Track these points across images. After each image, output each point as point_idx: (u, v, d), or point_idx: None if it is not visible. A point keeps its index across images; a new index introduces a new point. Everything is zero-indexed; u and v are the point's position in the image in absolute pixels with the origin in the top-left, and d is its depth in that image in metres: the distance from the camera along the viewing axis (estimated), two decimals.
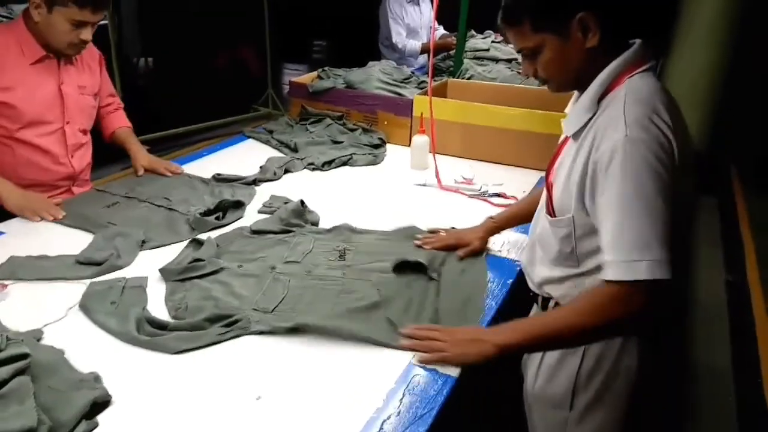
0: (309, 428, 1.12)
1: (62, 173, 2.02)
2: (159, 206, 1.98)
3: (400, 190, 2.25)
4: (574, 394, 1.33)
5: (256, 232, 1.80)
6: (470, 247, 1.68)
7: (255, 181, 2.24)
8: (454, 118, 2.53)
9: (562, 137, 1.31)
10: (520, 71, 3.45)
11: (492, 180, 2.26)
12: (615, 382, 1.30)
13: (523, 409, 1.51)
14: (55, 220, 1.84)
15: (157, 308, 1.45)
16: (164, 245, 1.76)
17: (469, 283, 1.57)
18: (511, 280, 1.62)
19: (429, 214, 1.99)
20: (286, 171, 2.36)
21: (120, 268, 1.61)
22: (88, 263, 1.60)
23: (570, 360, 1.30)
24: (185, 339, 1.32)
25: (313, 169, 2.40)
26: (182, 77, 5.74)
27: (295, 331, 1.36)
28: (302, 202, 1.94)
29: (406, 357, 1.31)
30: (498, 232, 1.73)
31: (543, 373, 1.38)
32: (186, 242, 1.74)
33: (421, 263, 1.58)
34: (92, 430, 1.08)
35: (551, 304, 1.34)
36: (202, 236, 1.72)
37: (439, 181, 2.26)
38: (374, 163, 2.50)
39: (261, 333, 1.36)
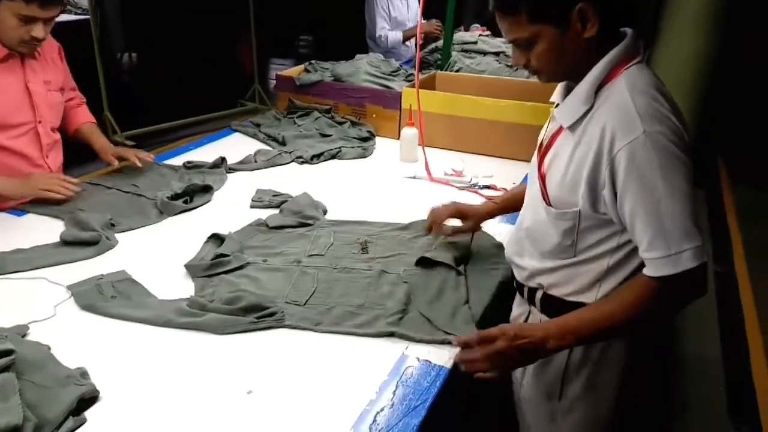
0: (301, 422, 1.10)
1: None
2: (126, 192, 2.01)
3: (390, 183, 2.23)
4: (563, 384, 1.33)
5: (275, 227, 1.80)
6: (466, 226, 1.67)
7: (229, 169, 2.27)
8: (443, 110, 2.52)
9: (551, 127, 1.29)
10: (509, 63, 3.44)
11: (482, 172, 2.26)
12: (603, 372, 1.30)
13: (513, 399, 1.51)
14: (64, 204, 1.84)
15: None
16: (133, 229, 1.79)
17: (492, 281, 1.56)
18: None
19: (420, 206, 1.97)
20: (274, 165, 2.35)
21: (112, 247, 1.67)
22: (75, 242, 1.64)
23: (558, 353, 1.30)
24: (225, 322, 1.33)
25: (302, 163, 2.38)
26: (167, 73, 5.68)
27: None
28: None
29: (399, 348, 1.30)
30: (497, 215, 1.71)
31: (533, 366, 1.37)
32: (156, 224, 1.82)
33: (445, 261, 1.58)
34: (80, 426, 1.06)
35: (538, 294, 1.33)
36: (223, 232, 1.71)
37: (429, 173, 2.25)
38: (363, 156, 2.48)
39: (294, 328, 1.36)
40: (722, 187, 4.03)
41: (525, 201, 1.38)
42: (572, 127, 1.18)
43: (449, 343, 1.31)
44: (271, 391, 1.17)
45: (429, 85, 2.86)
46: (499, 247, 1.70)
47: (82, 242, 1.65)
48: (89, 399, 1.11)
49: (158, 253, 1.67)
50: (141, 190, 2.01)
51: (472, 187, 2.16)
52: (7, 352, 1.11)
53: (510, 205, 1.66)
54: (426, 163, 2.27)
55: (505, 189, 2.13)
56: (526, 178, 2.22)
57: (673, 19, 3.76)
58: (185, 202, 1.94)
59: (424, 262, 1.59)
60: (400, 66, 3.21)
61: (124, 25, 6.00)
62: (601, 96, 1.15)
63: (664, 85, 1.16)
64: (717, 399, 2.40)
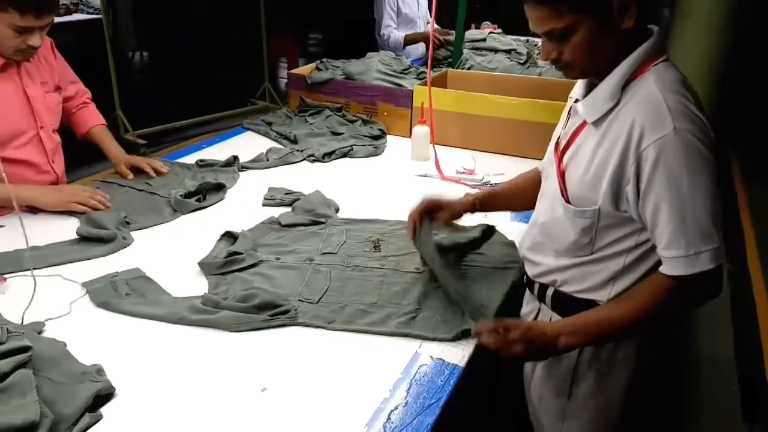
0: (315, 420, 1.10)
1: (46, 182, 1.91)
2: (140, 190, 2.02)
3: (401, 182, 2.23)
4: (573, 383, 1.33)
5: (287, 225, 1.80)
6: (440, 220, 1.58)
7: (241, 167, 2.27)
8: (454, 108, 2.51)
9: (571, 123, 1.27)
10: (521, 61, 3.43)
11: (493, 170, 2.25)
12: (614, 372, 1.30)
13: (525, 398, 1.51)
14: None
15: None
16: (147, 227, 1.80)
17: (505, 280, 1.56)
18: None
19: None
20: (285, 163, 2.35)
21: (127, 245, 1.68)
22: (90, 239, 1.66)
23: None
24: (239, 320, 1.34)
25: (313, 161, 2.38)
26: (178, 71, 5.70)
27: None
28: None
29: (412, 347, 1.30)
30: (475, 211, 1.60)
31: (543, 364, 1.38)
32: (169, 222, 1.84)
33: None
34: (96, 422, 1.06)
35: (549, 291, 1.33)
36: (235, 230, 1.71)
37: (440, 171, 2.24)
38: (375, 155, 2.48)
39: (308, 326, 1.37)
40: (735, 184, 4.01)
41: (539, 197, 1.38)
42: (596, 123, 1.17)
43: (467, 335, 1.31)
44: (285, 388, 1.18)
45: (440, 83, 2.85)
46: (511, 245, 1.69)
47: (98, 239, 1.67)
48: (105, 395, 1.11)
49: (172, 251, 1.68)
50: (154, 189, 2.02)
51: (484, 186, 2.15)
52: (24, 349, 1.11)
53: (490, 203, 1.60)
54: (437, 161, 2.26)
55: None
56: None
57: (687, 17, 3.74)
58: (198, 200, 1.95)
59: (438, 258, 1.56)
60: (412, 64, 3.21)
61: (136, 24, 6.03)
62: (629, 92, 1.14)
63: (689, 82, 1.16)
64: (730, 399, 2.39)
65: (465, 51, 3.54)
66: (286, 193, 2.02)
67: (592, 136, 1.18)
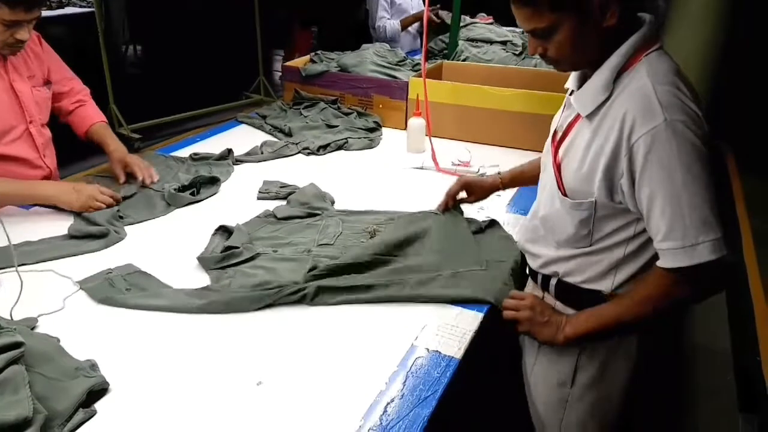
0: (311, 414, 1.10)
1: (38, 177, 1.90)
2: (133, 184, 2.00)
3: (397, 174, 2.22)
4: (576, 371, 1.33)
5: (283, 218, 1.80)
6: (471, 198, 1.74)
7: (235, 160, 2.26)
8: (450, 100, 2.50)
9: (566, 114, 1.27)
10: (516, 52, 3.42)
11: (489, 162, 2.24)
12: (615, 362, 1.30)
13: (524, 388, 1.51)
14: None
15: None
16: (140, 221, 1.80)
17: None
18: None
19: (427, 197, 1.96)
20: (280, 156, 2.34)
21: (121, 240, 1.68)
22: (82, 236, 1.65)
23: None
24: (252, 299, 1.38)
25: (308, 154, 2.37)
26: (172, 65, 5.68)
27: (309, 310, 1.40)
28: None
29: (408, 339, 1.29)
30: (504, 188, 1.74)
31: (545, 353, 1.38)
32: (163, 216, 1.83)
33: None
34: (90, 418, 1.06)
35: (553, 281, 1.33)
36: (230, 224, 1.71)
37: (436, 163, 2.23)
38: (370, 147, 2.47)
39: (317, 304, 1.41)
40: (731, 175, 4.00)
41: (539, 189, 1.38)
42: (590, 116, 1.16)
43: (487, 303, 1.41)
44: (281, 382, 1.17)
45: (435, 74, 2.84)
46: (507, 238, 1.69)
47: (91, 235, 1.65)
48: (99, 391, 1.11)
49: (166, 245, 1.67)
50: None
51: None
52: (17, 345, 1.10)
53: (517, 180, 1.69)
54: (433, 153, 2.25)
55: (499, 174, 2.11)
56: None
57: (683, 7, 3.72)
58: (192, 194, 1.94)
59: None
60: (407, 56, 3.19)
61: (129, 17, 6.00)
62: (621, 83, 1.13)
63: (683, 71, 1.14)
64: (726, 390, 2.39)
65: (460, 42, 3.53)
66: (281, 187, 2.01)
67: (586, 128, 1.18)
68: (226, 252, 1.57)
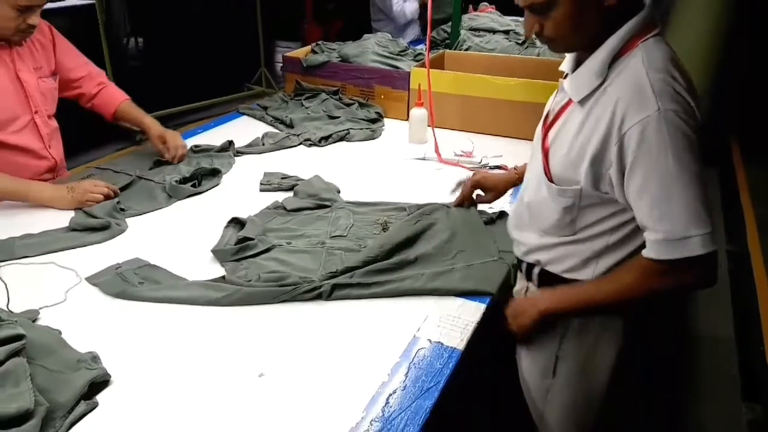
0: (313, 405, 1.09)
1: (44, 167, 1.90)
2: (135, 176, 1.99)
3: (399, 165, 2.21)
4: (557, 361, 1.33)
5: (293, 210, 1.80)
6: (488, 197, 1.71)
7: (237, 152, 2.26)
8: (452, 90, 2.49)
9: (558, 98, 1.25)
10: (519, 41, 3.39)
11: (492, 152, 2.23)
12: (598, 353, 1.29)
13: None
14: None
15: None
16: (142, 213, 1.79)
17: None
18: None
19: (430, 187, 1.96)
20: (281, 147, 2.33)
21: (122, 232, 1.68)
22: (83, 229, 1.64)
23: (554, 329, 1.30)
24: (273, 293, 1.37)
25: (310, 145, 2.36)
26: (173, 57, 5.66)
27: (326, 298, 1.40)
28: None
29: (411, 330, 1.29)
30: (520, 184, 1.67)
31: (527, 343, 1.38)
32: (165, 208, 1.83)
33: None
34: (91, 410, 1.06)
35: (536, 270, 1.32)
36: (239, 215, 1.70)
37: (438, 154, 2.22)
38: (372, 138, 2.46)
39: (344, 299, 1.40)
40: (735, 165, 3.99)
41: (526, 174, 1.36)
42: (582, 102, 1.14)
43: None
44: (283, 374, 1.17)
45: (438, 64, 2.82)
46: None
47: (92, 227, 1.65)
48: (101, 383, 1.11)
49: (168, 237, 1.66)
50: (149, 175, 2.00)
51: (483, 168, 2.13)
52: (18, 337, 1.10)
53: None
54: (435, 143, 2.24)
55: (515, 169, 2.10)
56: None
57: None
58: (194, 185, 1.94)
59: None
60: (408, 45, 3.18)
61: (130, 9, 5.98)
62: (615, 69, 1.10)
63: (680, 59, 1.13)
64: (730, 379, 2.39)
65: (462, 32, 3.50)
66: (282, 178, 2.00)
67: (577, 113, 1.15)
68: (240, 244, 1.56)
